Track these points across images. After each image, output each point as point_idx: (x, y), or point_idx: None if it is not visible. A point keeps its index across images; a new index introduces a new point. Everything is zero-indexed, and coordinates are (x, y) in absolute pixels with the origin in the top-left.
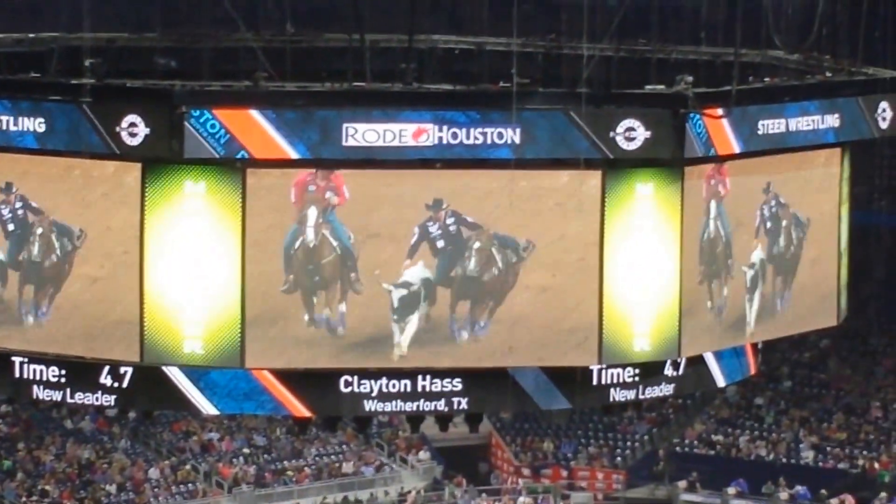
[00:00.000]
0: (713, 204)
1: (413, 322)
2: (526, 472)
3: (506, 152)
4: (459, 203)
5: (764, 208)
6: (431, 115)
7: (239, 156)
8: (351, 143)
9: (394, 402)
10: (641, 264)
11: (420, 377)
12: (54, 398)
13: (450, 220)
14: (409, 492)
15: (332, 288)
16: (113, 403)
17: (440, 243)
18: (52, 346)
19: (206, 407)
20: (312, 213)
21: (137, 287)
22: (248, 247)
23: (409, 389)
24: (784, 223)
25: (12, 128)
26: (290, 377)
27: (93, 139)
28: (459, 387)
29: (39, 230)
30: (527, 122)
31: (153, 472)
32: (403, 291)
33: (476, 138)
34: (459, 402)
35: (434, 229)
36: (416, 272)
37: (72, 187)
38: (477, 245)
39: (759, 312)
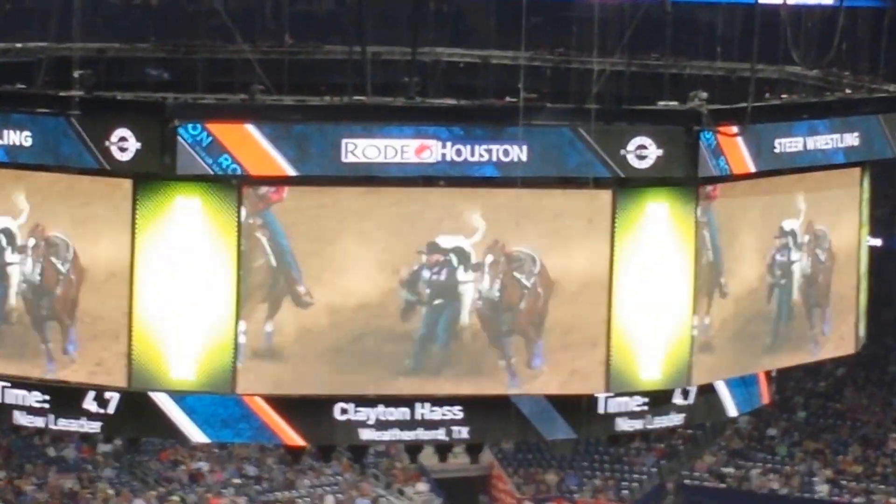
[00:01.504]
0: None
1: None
2: None
3: (511, 170)
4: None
5: (777, 253)
6: (435, 130)
7: (233, 172)
8: (350, 159)
9: (391, 431)
10: (653, 288)
11: (419, 405)
12: (37, 425)
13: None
14: None
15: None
16: (98, 430)
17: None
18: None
19: (195, 434)
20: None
21: (126, 309)
22: (243, 267)
23: (407, 417)
24: (807, 238)
25: None
26: (282, 403)
27: (80, 153)
28: (460, 415)
29: (32, 241)
30: (534, 138)
31: (139, 503)
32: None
33: (481, 155)
34: (460, 431)
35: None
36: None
37: (57, 204)
38: (490, 259)
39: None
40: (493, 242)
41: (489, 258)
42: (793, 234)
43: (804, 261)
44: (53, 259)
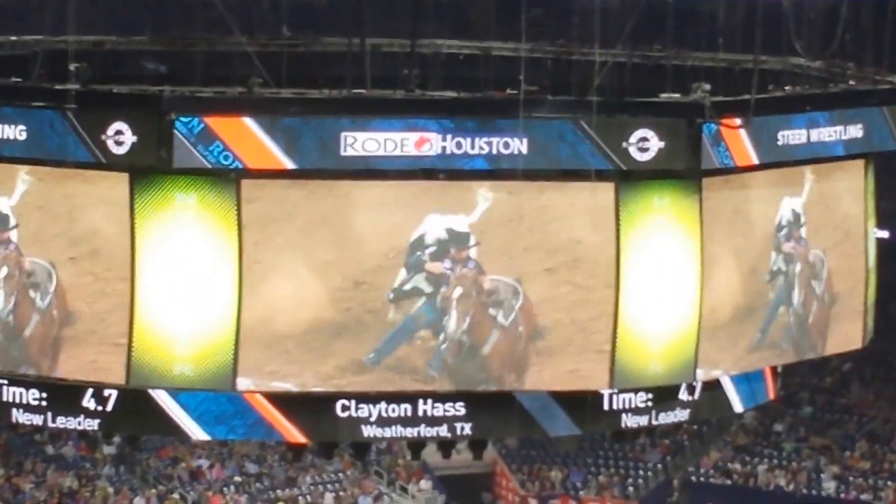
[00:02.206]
0: None
1: None
2: (533, 502)
3: (512, 163)
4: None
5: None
6: (434, 123)
7: (232, 166)
8: (350, 152)
9: (393, 428)
10: (658, 282)
11: (421, 401)
12: (35, 422)
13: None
14: None
15: None
16: (97, 428)
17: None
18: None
19: (194, 431)
20: None
21: (127, 306)
22: (244, 262)
23: (409, 414)
24: (798, 268)
25: None
26: (283, 400)
27: (76, 147)
28: (463, 411)
29: (3, 271)
30: (535, 131)
31: (139, 502)
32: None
33: (481, 148)
34: (463, 428)
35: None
36: None
37: (51, 201)
38: (458, 293)
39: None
40: (465, 273)
41: (458, 291)
42: (794, 227)
43: (807, 255)
44: (31, 293)
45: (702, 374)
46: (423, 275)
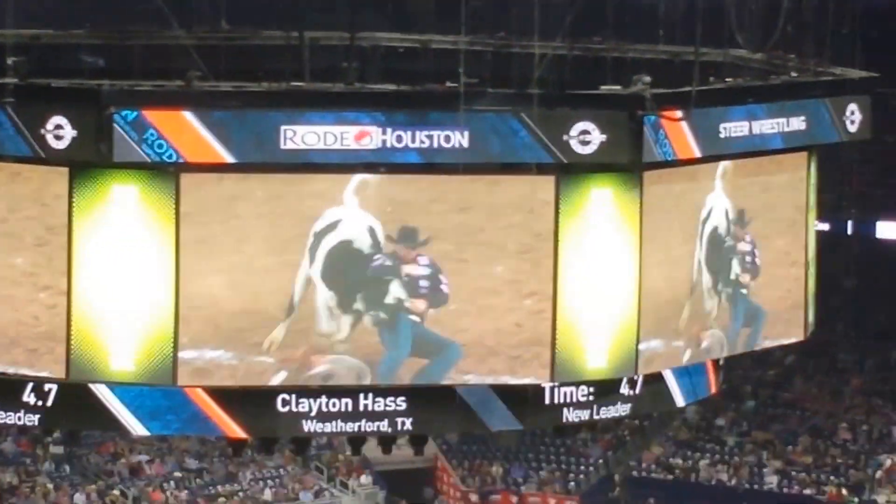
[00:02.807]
0: None
1: None
2: (474, 497)
3: (452, 156)
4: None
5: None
6: (373, 117)
7: (171, 160)
8: (289, 146)
9: (334, 423)
10: (599, 274)
11: (362, 396)
12: None
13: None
14: None
15: None
16: (37, 423)
17: None
18: None
19: (135, 427)
20: None
21: (65, 299)
22: (183, 254)
23: (349, 409)
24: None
25: None
26: (223, 395)
27: (15, 141)
28: (403, 406)
29: None
30: (475, 124)
31: (79, 498)
32: None
33: (422, 141)
34: (403, 423)
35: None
36: None
37: None
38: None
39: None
40: None
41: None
42: (736, 220)
43: (746, 246)
44: None
45: (643, 368)
46: (399, 281)
